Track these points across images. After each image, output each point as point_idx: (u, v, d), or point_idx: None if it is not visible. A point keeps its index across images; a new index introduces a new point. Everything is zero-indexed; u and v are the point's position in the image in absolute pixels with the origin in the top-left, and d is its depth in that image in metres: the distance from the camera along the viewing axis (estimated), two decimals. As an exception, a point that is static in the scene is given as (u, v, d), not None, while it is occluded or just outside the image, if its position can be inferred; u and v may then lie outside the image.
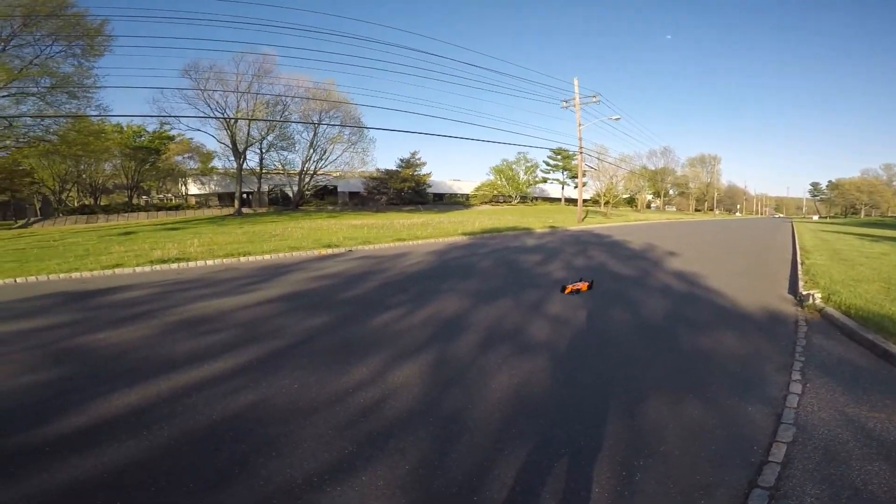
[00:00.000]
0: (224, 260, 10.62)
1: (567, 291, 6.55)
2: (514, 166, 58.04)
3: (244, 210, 36.16)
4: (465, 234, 17.53)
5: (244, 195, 38.47)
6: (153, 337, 5.24)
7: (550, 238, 17.55)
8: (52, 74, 23.10)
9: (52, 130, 24.44)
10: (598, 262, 10.81)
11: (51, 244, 15.50)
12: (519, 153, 58.62)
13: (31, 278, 9.06)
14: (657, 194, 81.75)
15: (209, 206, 40.96)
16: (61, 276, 9.27)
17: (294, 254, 11.66)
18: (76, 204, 36.74)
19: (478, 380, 3.90)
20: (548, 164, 63.99)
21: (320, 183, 44.96)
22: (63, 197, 35.95)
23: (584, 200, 33.19)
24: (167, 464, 2.71)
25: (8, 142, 23.84)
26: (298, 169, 41.65)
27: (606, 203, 46.29)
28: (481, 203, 53.18)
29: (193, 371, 4.16)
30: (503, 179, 57.05)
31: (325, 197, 47.44)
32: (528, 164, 58.97)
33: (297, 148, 42.03)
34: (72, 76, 23.87)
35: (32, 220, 32.05)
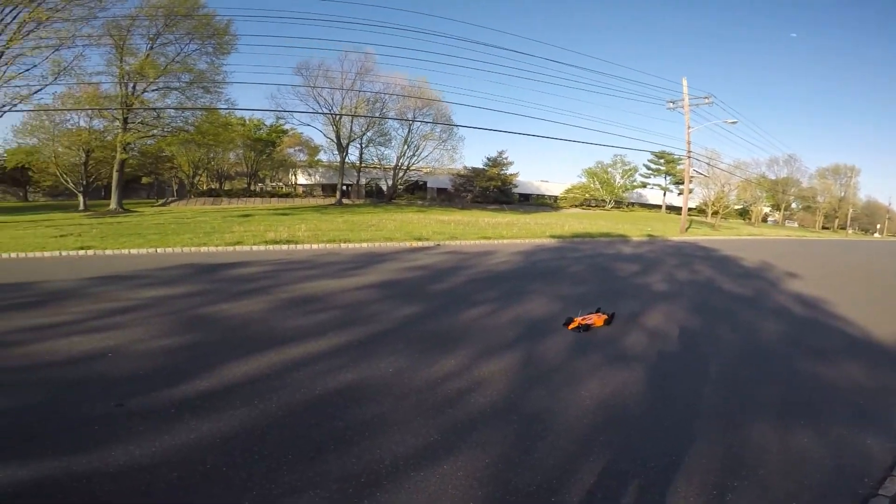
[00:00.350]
0: (327, 245, 11.46)
1: (572, 327, 5.17)
2: (609, 169, 55.08)
3: (344, 201, 38.71)
4: (553, 236, 16.98)
5: (344, 187, 41.11)
6: (267, 311, 5.76)
7: (649, 247, 16.34)
8: (190, 71, 26.65)
9: (190, 122, 28.18)
10: (704, 278, 9.82)
11: (184, 221, 17.95)
12: (615, 155, 55.41)
13: (169, 249, 10.55)
14: (776, 207, 72.18)
15: (314, 196, 44.56)
16: (192, 249, 10.65)
17: (388, 244, 12.20)
18: (205, 187, 42.02)
19: (566, 384, 3.81)
20: (648, 168, 59.76)
21: (412, 178, 46.59)
22: (195, 181, 41.35)
23: (689, 209, 30.38)
24: (272, 434, 2.92)
25: (156, 130, 27.84)
26: (393, 164, 43.52)
27: (715, 213, 41.85)
28: (570, 206, 51.19)
29: (301, 346, 4.49)
30: (596, 182, 54.35)
31: (415, 192, 49.07)
32: (626, 168, 55.55)
33: (392, 144, 43.94)
34: (206, 73, 27.36)
35: (170, 199, 37.36)
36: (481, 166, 47.32)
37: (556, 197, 55.11)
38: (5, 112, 19.06)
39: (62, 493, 2.27)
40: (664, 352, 4.81)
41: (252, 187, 43.71)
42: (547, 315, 5.89)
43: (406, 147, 42.66)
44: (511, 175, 47.95)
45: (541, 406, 3.38)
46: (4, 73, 18.24)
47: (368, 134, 41.25)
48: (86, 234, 12.96)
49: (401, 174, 44.11)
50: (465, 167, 47.09)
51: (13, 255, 9.71)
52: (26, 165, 30.46)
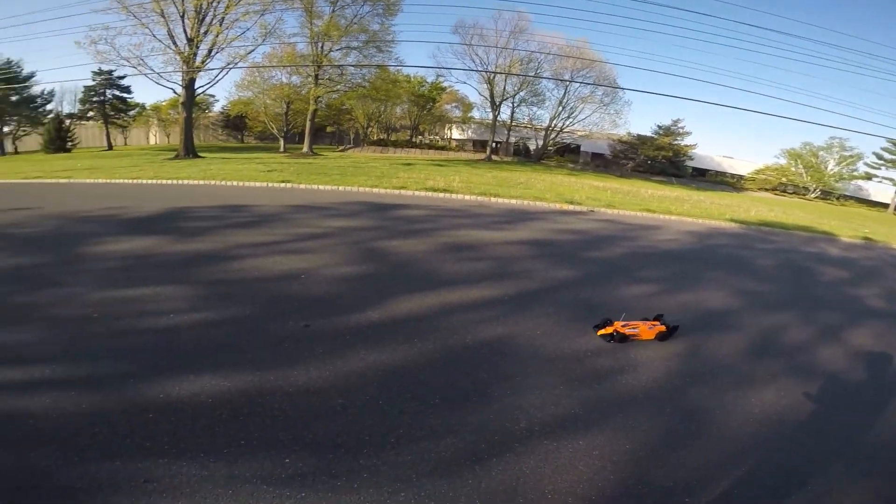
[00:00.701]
0: (478, 197, 11.72)
1: (603, 333, 3.94)
2: (820, 153, 44.12)
3: (493, 157, 39.06)
4: (734, 220, 14.43)
5: (494, 144, 41.40)
6: (429, 252, 6.15)
7: (865, 252, 12.80)
8: (365, 31, 29.03)
9: (366, 78, 31.41)
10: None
11: (359, 165, 20.16)
12: (832, 138, 43.67)
13: (348, 188, 11.98)
14: None
15: (465, 150, 45.89)
16: (365, 189, 11.90)
17: (537, 203, 11.90)
18: (375, 137, 46.49)
19: (736, 387, 3.36)
20: (880, 158, 46.09)
21: (564, 140, 44.45)
22: (368, 131, 45.95)
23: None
24: (425, 375, 3.10)
25: (340, 86, 31.50)
26: (545, 125, 42.09)
27: (978, 221, 30.75)
28: (759, 189, 42.87)
29: (457, 292, 4.68)
30: (799, 166, 44.20)
31: (566, 154, 46.72)
32: (847, 154, 43.79)
33: (546, 104, 42.33)
34: (378, 33, 29.57)
35: (348, 147, 42.32)
36: (650, 134, 42.45)
37: (740, 176, 46.55)
38: (230, 69, 23.65)
39: (248, 407, 2.67)
40: (865, 374, 3.94)
41: (413, 139, 46.78)
42: (724, 308, 5.11)
43: (560, 108, 40.68)
44: (686, 146, 42.00)
45: (700, 404, 3.05)
46: (227, 36, 22.41)
47: (521, 94, 40.46)
48: (285, 170, 15.49)
49: (552, 135, 42.43)
50: (629, 133, 42.83)
51: (235, 183, 12.24)
52: (243, 114, 37.77)
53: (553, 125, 41.99)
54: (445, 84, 45.22)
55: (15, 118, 34.26)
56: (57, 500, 1.96)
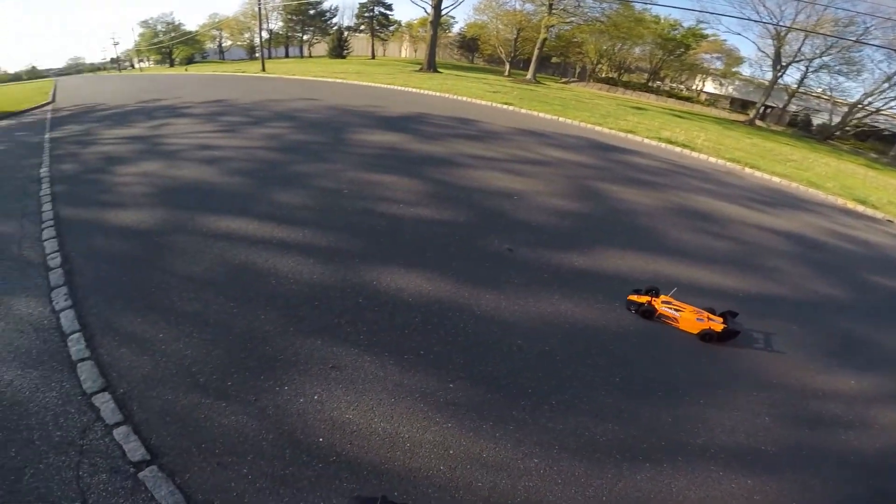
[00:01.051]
0: (727, 163, 9.51)
1: (633, 299, 3.16)
2: None
3: (757, 122, 32.14)
4: None
5: (763, 108, 33.82)
6: (654, 209, 5.26)
7: None
8: None
9: (605, 13, 28.90)
10: None
11: (582, 100, 18.73)
12: None
13: (568, 121, 11.23)
14: None
15: (716, 107, 38.67)
16: (587, 125, 10.94)
17: (809, 190, 9.02)
18: (604, 75, 42.82)
19: None
20: None
21: (875, 124, 33.12)
22: (596, 68, 42.50)
23: None
24: (615, 348, 2.72)
25: (574, 18, 29.64)
26: (851, 100, 31.88)
27: None
28: None
29: (680, 265, 3.90)
30: None
31: (869, 140, 34.88)
32: None
33: (861, 77, 31.83)
34: None
35: (571, 80, 40.21)
36: None
37: None
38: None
39: (438, 318, 2.69)
40: None
41: (650, 84, 41.71)
42: None
43: (886, 85, 29.98)
44: None
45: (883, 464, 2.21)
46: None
47: (824, 58, 30.85)
48: (508, 93, 15.44)
49: (858, 114, 32.04)
50: None
51: (465, 98, 13.04)
52: (477, 37, 40.16)
53: (865, 102, 31.92)
54: (707, 31, 38.62)
55: (311, 28, 44.43)
56: (257, 368, 2.21)
